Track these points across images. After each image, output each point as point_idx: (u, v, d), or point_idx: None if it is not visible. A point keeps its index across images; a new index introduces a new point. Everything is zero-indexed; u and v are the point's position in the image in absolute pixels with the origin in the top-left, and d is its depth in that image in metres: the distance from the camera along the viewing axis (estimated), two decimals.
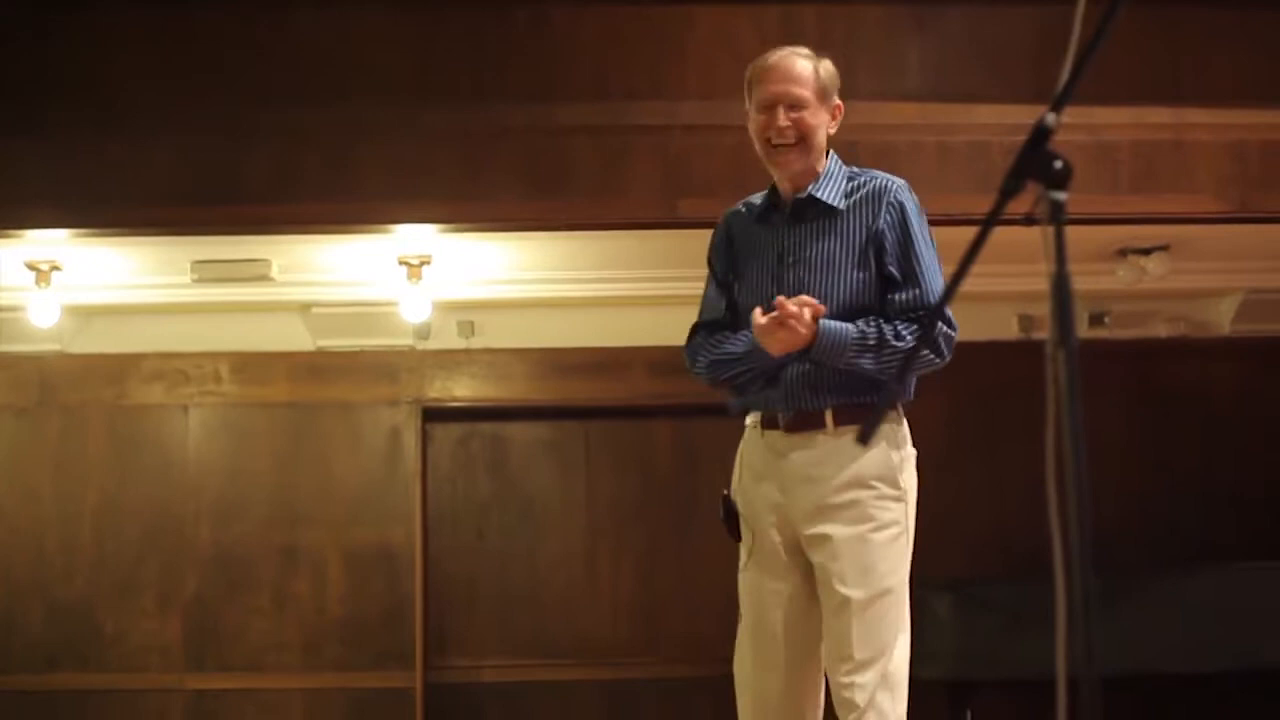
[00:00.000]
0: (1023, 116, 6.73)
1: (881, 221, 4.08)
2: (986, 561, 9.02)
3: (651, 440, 10.07)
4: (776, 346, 3.97)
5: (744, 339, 4.14)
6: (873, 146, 7.61)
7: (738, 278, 4.28)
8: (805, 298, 3.95)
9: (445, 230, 7.92)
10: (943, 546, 9.45)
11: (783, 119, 4.15)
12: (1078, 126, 7.65)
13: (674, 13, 7.78)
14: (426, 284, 8.78)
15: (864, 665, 4.03)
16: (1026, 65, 7.38)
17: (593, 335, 9.81)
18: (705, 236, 7.91)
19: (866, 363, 3.99)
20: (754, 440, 4.26)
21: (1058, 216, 2.36)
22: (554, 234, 8.10)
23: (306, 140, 7.59)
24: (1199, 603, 8.63)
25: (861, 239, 4.08)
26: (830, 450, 4.08)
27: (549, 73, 7.68)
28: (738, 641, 4.42)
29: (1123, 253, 8.63)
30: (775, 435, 4.16)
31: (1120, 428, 10.01)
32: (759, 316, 3.96)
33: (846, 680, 4.01)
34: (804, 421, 4.11)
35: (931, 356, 4.01)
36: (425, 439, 9.95)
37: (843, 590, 4.06)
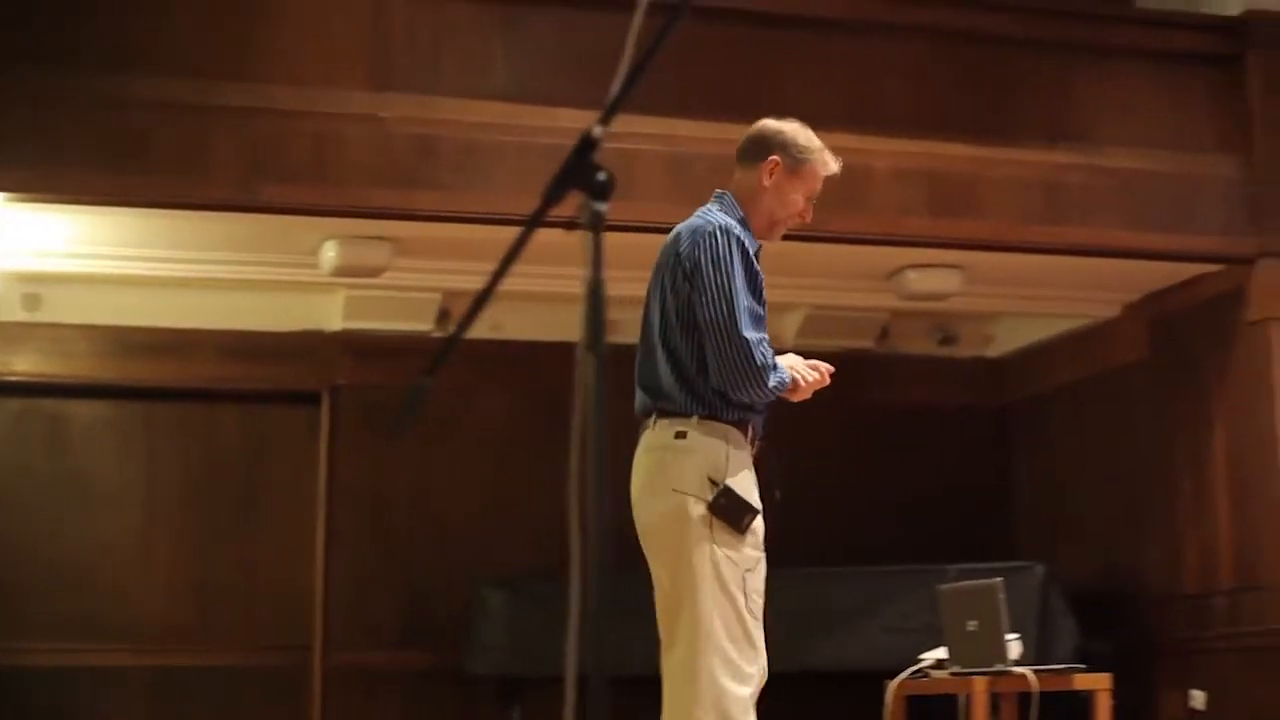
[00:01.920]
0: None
1: None
2: (549, 558, 9.14)
3: (217, 424, 9.93)
4: (806, 397, 4.58)
5: (784, 371, 4.53)
6: (455, 143, 7.66)
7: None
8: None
9: (12, 200, 7.66)
10: (505, 542, 9.58)
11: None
12: (656, 136, 7.81)
13: None
14: None
15: None
16: (613, 73, 7.48)
17: (163, 315, 9.62)
18: (287, 222, 7.93)
19: None
20: (742, 448, 4.55)
21: (597, 225, 2.42)
22: (128, 210, 7.90)
23: None
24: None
25: None
26: None
27: (134, 45, 7.48)
28: (757, 635, 4.55)
29: None
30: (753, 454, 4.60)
31: None
32: (824, 372, 4.57)
33: None
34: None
35: None
36: None
37: None
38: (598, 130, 2.49)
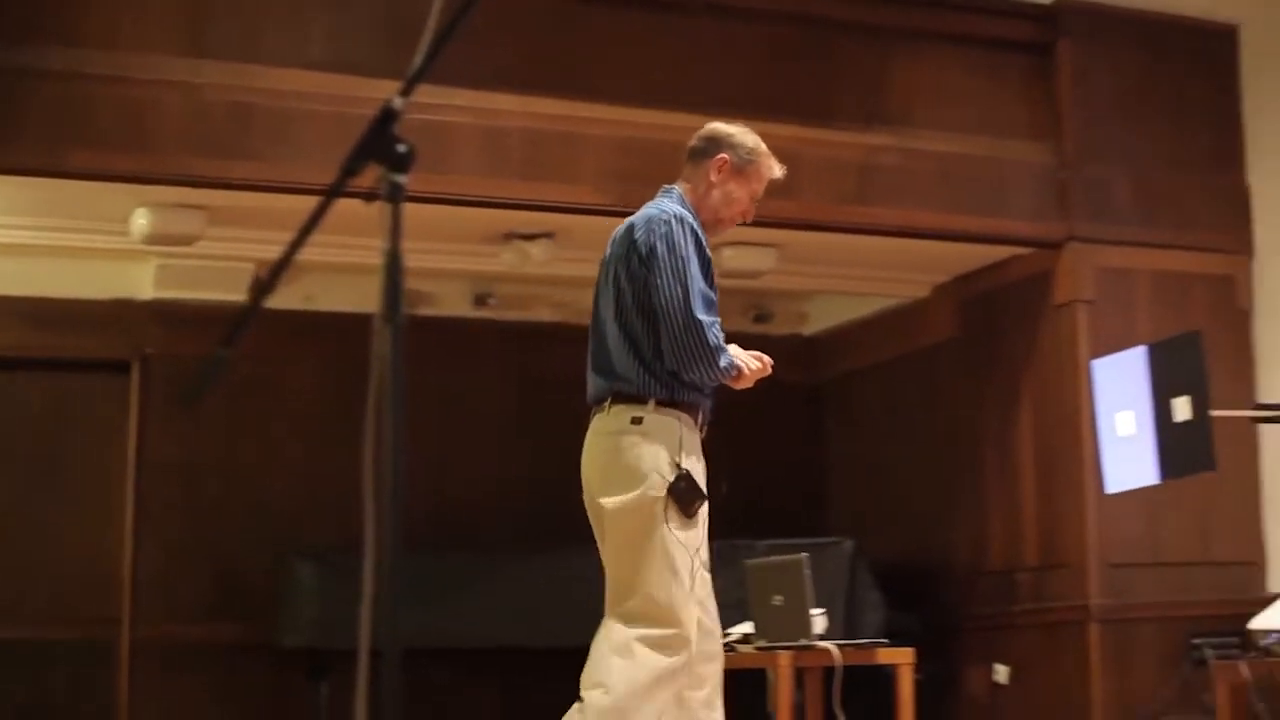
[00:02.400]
0: (423, 95, 6.81)
1: None
2: (361, 530, 9.10)
3: (23, 393, 9.75)
4: (749, 385, 4.85)
5: (732, 355, 4.78)
6: (270, 112, 7.58)
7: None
8: None
9: None
10: (317, 514, 9.52)
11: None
12: (470, 109, 7.79)
13: None
14: None
15: None
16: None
17: None
18: (98, 188, 7.78)
19: None
20: (694, 432, 4.80)
21: (396, 197, 2.43)
22: None
23: None
24: (566, 579, 8.94)
25: None
26: None
27: None
28: (703, 615, 4.84)
29: (509, 237, 8.79)
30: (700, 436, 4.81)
31: (498, 407, 10.28)
32: (766, 362, 4.84)
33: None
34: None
35: None
36: None
37: None
38: (398, 102, 2.50)
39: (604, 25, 8.33)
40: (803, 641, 6.53)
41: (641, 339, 4.76)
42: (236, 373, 8.92)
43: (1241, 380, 9.13)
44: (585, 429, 10.54)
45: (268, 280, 2.55)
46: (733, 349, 4.80)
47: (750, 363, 4.80)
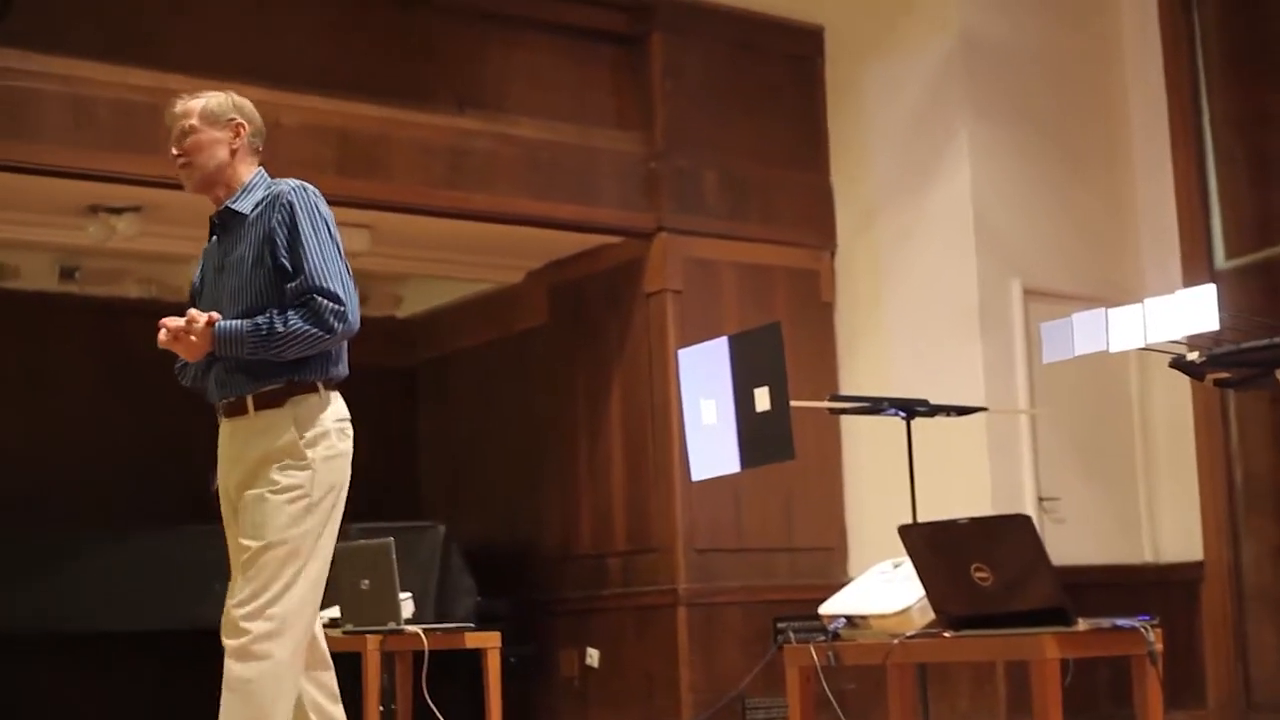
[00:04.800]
0: (9, 61, 6.63)
1: (274, 222, 4.70)
2: None
3: None
4: (188, 354, 4.66)
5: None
6: None
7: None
8: (192, 311, 4.62)
9: None
10: None
11: (174, 150, 4.90)
12: (59, 77, 7.56)
13: None
14: None
15: (246, 602, 4.57)
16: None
17: None
18: None
19: (266, 351, 4.59)
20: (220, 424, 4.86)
21: None
22: None
23: None
24: (139, 562, 8.79)
25: (260, 240, 4.71)
26: (251, 432, 4.71)
27: None
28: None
29: (95, 209, 8.55)
30: (221, 421, 4.82)
31: (86, 385, 10.03)
32: (167, 325, 4.63)
33: (236, 613, 4.56)
34: (233, 408, 4.75)
35: (321, 333, 4.62)
36: None
37: (244, 542, 4.65)
38: None
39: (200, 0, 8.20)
40: (391, 625, 6.52)
41: None
42: None
43: (825, 371, 9.42)
44: (177, 407, 10.38)
45: None
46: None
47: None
